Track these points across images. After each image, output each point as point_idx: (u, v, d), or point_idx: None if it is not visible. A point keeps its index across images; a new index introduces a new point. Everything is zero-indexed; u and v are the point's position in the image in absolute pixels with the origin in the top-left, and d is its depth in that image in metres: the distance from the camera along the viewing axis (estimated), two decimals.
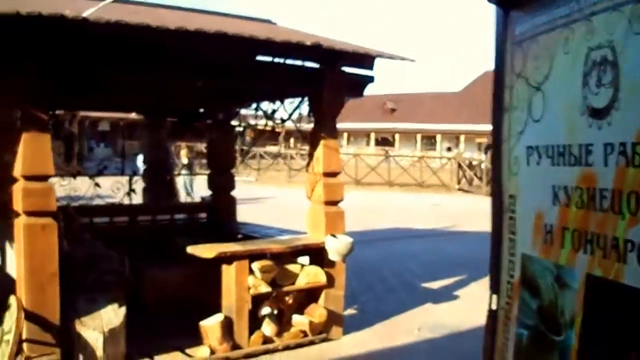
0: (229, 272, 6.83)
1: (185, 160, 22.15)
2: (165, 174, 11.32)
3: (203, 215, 10.02)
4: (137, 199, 10.23)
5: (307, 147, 8.17)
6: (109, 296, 6.29)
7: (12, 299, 5.72)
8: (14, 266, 6.45)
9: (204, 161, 18.63)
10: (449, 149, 58.84)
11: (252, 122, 9.64)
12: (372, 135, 67.15)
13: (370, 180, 33.84)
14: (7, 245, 7.12)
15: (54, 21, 5.05)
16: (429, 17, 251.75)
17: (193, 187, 19.97)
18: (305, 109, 7.82)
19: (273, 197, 25.36)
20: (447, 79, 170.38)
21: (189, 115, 10.08)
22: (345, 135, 64.91)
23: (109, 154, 36.59)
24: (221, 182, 9.91)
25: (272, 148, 43.92)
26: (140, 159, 17.42)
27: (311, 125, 7.67)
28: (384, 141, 65.03)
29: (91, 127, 43.77)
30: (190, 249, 6.98)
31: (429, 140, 63.18)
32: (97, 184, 9.48)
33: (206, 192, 10.33)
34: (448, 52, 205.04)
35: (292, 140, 52.63)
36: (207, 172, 10.25)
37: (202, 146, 20.56)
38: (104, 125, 46.55)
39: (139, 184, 10.45)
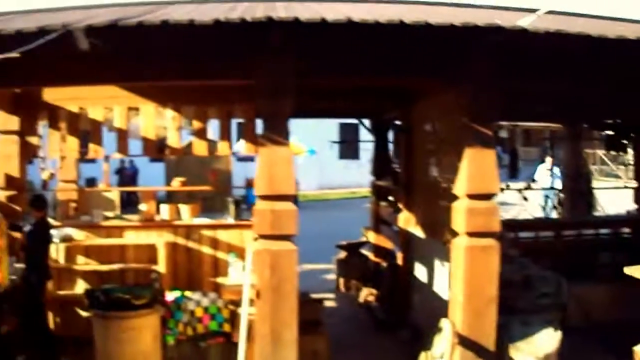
0: None
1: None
2: (584, 185, 10.70)
3: (626, 230, 9.25)
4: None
5: None
6: (544, 319, 6.02)
7: (445, 323, 5.68)
8: (444, 286, 6.50)
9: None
10: None
11: None
12: None
13: None
14: (437, 263, 7.23)
15: (484, 32, 4.91)
16: None
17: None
18: None
19: None
20: None
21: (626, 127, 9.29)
22: None
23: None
24: None
25: None
26: (542, 167, 16.93)
27: None
28: None
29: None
30: (630, 270, 6.34)
31: None
32: (525, 198, 9.27)
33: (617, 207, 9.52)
34: None
35: None
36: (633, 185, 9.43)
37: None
38: (502, 132, 46.46)
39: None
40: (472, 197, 5.55)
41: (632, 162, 14.71)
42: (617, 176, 25.94)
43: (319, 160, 27.10)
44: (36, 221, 7.63)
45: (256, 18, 4.70)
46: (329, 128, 29.17)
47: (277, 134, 5.33)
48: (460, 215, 5.61)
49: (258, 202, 5.42)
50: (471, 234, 5.54)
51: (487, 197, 5.58)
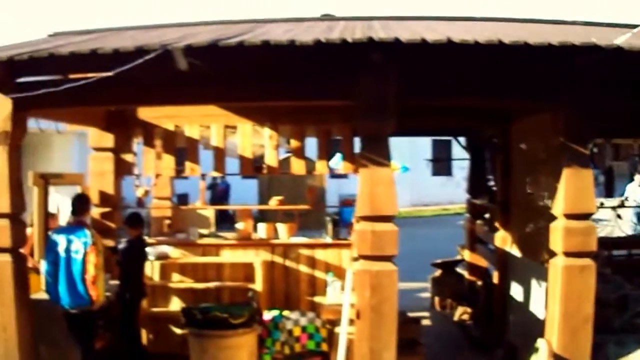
0: None
1: None
2: None
3: None
4: None
5: None
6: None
7: (541, 343, 5.64)
8: (540, 306, 6.41)
9: None
10: None
11: None
12: None
13: None
14: (534, 283, 7.15)
15: (580, 51, 4.89)
16: None
17: None
18: None
19: None
20: None
21: None
22: None
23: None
24: None
25: None
26: (632, 185, 16.14)
27: None
28: None
29: None
30: None
31: None
32: (619, 216, 9.05)
33: None
34: None
35: None
36: None
37: None
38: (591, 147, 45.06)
39: None
40: (569, 216, 5.52)
41: None
42: None
43: (411, 177, 27.00)
44: (132, 239, 7.84)
45: (357, 39, 4.80)
46: (422, 145, 29.30)
47: (378, 154, 5.37)
48: (557, 234, 5.58)
49: (359, 222, 5.47)
50: (568, 254, 5.50)
51: (584, 216, 5.54)
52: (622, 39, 4.89)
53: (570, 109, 5.51)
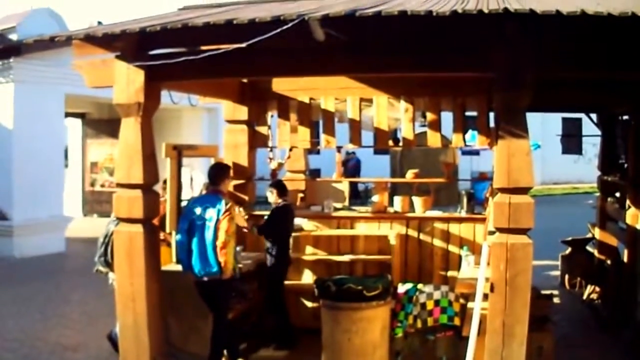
0: None
1: None
2: None
3: None
4: None
5: None
6: None
7: None
8: None
9: None
10: None
11: None
12: None
13: None
14: None
15: None
16: None
17: None
18: None
19: None
20: None
21: None
22: None
23: None
24: None
25: None
26: None
27: None
28: None
29: None
30: None
31: None
32: None
33: None
34: None
35: None
36: None
37: None
38: None
39: None
40: None
41: None
42: None
43: (542, 154, 26.24)
44: (279, 206, 7.88)
45: (493, 10, 4.61)
46: (553, 122, 28.82)
47: (515, 126, 5.19)
48: None
49: (497, 195, 5.33)
50: None
51: None
52: None
53: None
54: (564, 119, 30.33)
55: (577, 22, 4.59)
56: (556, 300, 9.83)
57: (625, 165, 9.56)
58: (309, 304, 8.25)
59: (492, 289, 5.27)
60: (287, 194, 8.09)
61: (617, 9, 4.58)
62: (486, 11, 4.59)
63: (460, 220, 8.55)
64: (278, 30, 4.78)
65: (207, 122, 19.96)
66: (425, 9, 4.72)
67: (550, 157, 30.16)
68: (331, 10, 4.97)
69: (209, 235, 6.58)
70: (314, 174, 16.61)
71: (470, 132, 8.19)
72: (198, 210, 6.70)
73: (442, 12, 4.63)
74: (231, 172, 7.44)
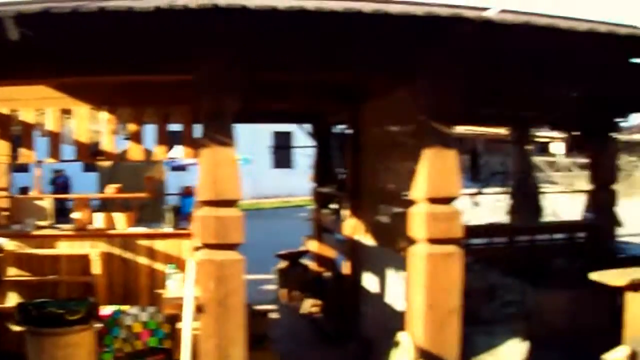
0: (636, 300, 5.74)
1: None
2: (531, 190, 10.51)
3: (581, 235, 9.03)
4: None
5: None
6: (509, 329, 5.70)
7: (402, 336, 5.26)
8: (398, 297, 6.11)
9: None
10: None
11: None
12: None
13: None
14: (389, 273, 6.84)
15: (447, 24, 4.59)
16: None
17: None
18: None
19: None
20: None
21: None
22: None
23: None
24: (602, 199, 8.86)
25: None
26: None
27: None
28: None
29: None
30: (596, 276, 5.99)
31: None
32: (476, 203, 9.01)
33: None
34: None
35: None
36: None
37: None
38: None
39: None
40: (432, 200, 5.14)
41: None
42: (553, 182, 26.03)
43: (252, 169, 26.90)
44: None
45: (201, 4, 4.23)
46: (263, 137, 29.86)
47: (221, 134, 4.86)
48: (419, 220, 5.20)
49: (201, 208, 4.96)
50: (432, 241, 5.13)
51: (448, 200, 5.19)
52: (492, 12, 4.56)
53: (433, 85, 5.15)
54: (275, 133, 31.29)
55: (295, 19, 4.43)
56: (275, 315, 9.75)
57: (344, 176, 9.58)
58: (16, 328, 7.40)
59: (199, 309, 4.93)
60: None
61: (340, 5, 4.44)
62: (194, 6, 4.22)
63: (165, 236, 8.24)
64: None
65: None
66: (127, 5, 4.22)
67: (260, 172, 30.75)
68: (25, 7, 4.28)
69: None
70: (24, 192, 15.91)
71: (177, 146, 7.88)
72: None
73: (144, 9, 4.17)
74: None
